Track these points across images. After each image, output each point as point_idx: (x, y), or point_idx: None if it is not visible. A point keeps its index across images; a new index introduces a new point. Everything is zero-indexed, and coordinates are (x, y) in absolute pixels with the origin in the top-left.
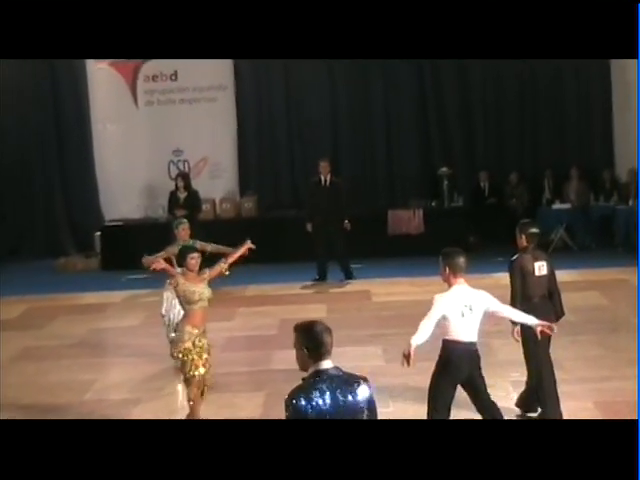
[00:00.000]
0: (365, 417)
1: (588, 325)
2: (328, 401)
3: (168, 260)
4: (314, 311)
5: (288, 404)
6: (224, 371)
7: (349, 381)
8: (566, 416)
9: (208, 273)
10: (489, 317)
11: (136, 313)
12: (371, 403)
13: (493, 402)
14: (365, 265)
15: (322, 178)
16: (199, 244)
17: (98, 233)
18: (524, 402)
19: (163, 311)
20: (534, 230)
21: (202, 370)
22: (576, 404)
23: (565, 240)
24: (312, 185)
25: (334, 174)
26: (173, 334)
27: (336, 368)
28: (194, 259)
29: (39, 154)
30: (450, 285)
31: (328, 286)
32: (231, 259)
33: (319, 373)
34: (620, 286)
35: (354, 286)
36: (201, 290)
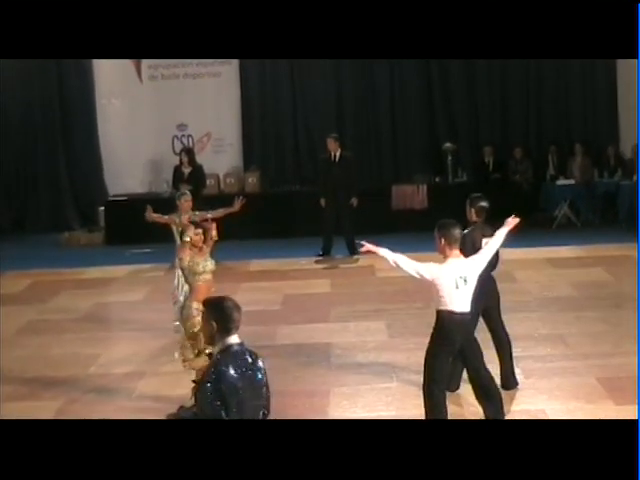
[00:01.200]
0: (265, 391)
1: (591, 301)
2: (237, 376)
3: (168, 226)
4: (318, 286)
5: (217, 369)
6: None
7: (252, 357)
8: (569, 391)
9: (205, 246)
10: None
11: (140, 287)
12: (266, 378)
13: (491, 377)
14: (369, 240)
15: (332, 154)
16: (198, 216)
17: (102, 208)
18: (504, 380)
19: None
20: (483, 204)
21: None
22: (579, 380)
23: (569, 216)
24: (322, 162)
25: (343, 148)
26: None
27: (241, 344)
28: (198, 235)
29: (43, 129)
30: (445, 257)
31: (332, 261)
32: (221, 214)
33: (228, 348)
34: (624, 262)
35: (358, 261)
36: (205, 262)
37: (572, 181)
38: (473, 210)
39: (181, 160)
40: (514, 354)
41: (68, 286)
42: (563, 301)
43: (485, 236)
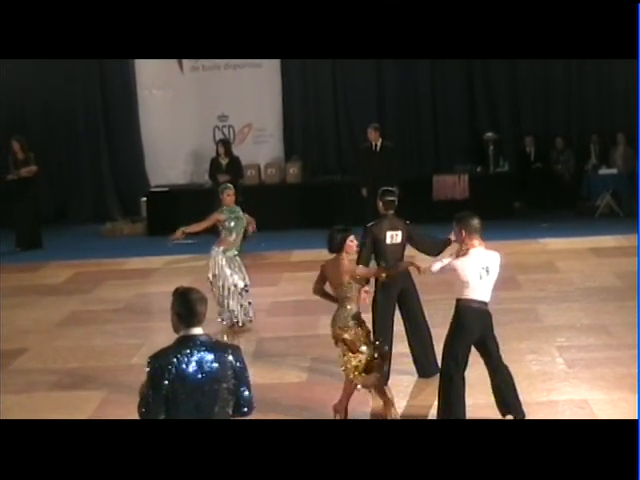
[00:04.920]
0: (232, 385)
1: (634, 291)
2: (193, 365)
3: (212, 227)
4: None
5: (148, 362)
6: (269, 336)
7: (216, 349)
8: (612, 382)
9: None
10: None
11: (182, 278)
12: (238, 372)
13: (505, 365)
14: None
15: (372, 144)
16: (246, 217)
17: (144, 198)
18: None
19: (210, 276)
20: (390, 198)
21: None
22: (623, 370)
23: (611, 205)
24: (363, 151)
25: (384, 138)
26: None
27: (206, 335)
28: (353, 242)
29: (85, 120)
30: (467, 248)
31: None
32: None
33: (187, 338)
34: None
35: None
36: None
37: (614, 170)
38: (381, 203)
39: (218, 151)
40: (557, 344)
41: (110, 276)
42: (606, 291)
43: (392, 229)
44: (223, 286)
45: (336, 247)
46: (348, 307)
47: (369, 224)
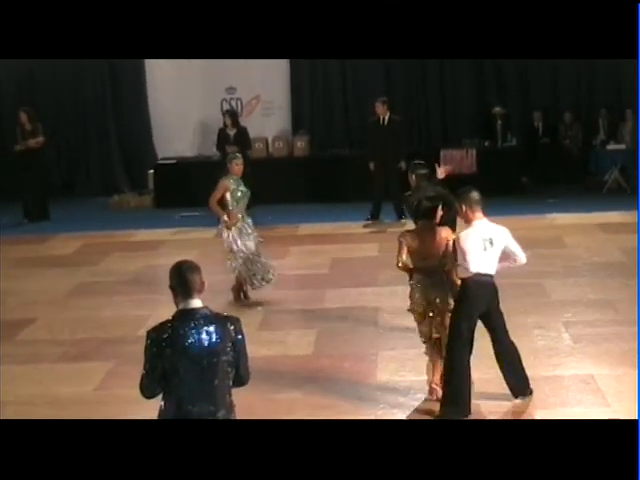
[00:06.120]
0: (231, 358)
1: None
2: (192, 338)
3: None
4: (366, 250)
5: (147, 336)
6: (276, 309)
7: (216, 321)
8: (617, 357)
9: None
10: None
11: (189, 250)
12: (237, 344)
13: (511, 341)
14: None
15: (380, 117)
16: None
17: (151, 171)
18: None
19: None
20: (422, 171)
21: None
22: (628, 346)
23: (619, 181)
24: (371, 125)
25: (392, 112)
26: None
27: (205, 308)
28: (440, 211)
29: (93, 92)
30: (470, 221)
31: (381, 226)
32: None
33: (186, 311)
34: None
35: (406, 226)
36: None
37: (623, 146)
38: (414, 176)
39: (225, 122)
40: (564, 319)
41: (118, 248)
42: (613, 267)
43: (427, 197)
44: (239, 256)
45: (424, 215)
46: (448, 279)
47: (407, 193)
